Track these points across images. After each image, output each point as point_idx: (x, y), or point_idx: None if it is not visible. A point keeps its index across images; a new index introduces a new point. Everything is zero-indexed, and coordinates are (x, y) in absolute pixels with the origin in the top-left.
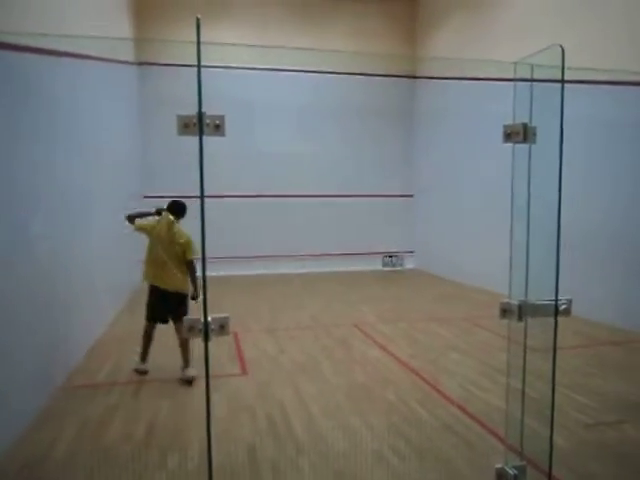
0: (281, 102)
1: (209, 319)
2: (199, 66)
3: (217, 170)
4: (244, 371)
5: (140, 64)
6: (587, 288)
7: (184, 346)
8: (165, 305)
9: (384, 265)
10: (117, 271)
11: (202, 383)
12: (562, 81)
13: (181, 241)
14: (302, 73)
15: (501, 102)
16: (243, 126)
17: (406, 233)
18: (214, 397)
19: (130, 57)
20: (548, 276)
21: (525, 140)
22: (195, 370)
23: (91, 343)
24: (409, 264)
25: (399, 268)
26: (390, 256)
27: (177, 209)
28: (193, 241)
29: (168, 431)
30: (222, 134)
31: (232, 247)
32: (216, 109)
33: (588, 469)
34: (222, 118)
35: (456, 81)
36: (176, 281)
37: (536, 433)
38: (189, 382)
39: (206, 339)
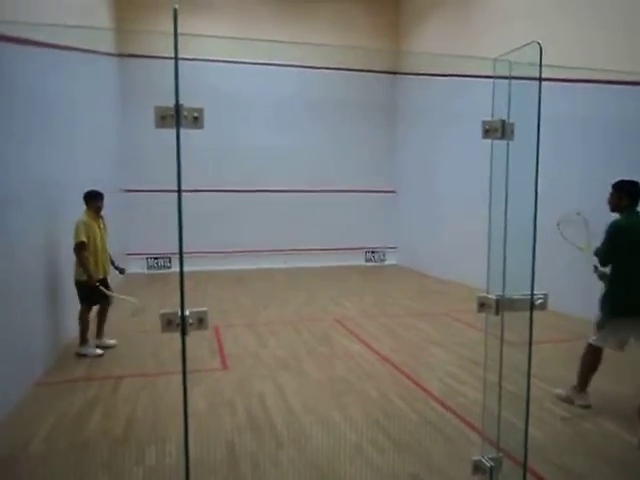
0: (263, 96)
1: (187, 313)
2: (176, 58)
3: (198, 164)
4: (225, 366)
5: (121, 56)
6: (567, 283)
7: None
8: None
9: (367, 261)
10: None
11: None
12: (539, 78)
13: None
14: (283, 67)
15: (482, 98)
16: (224, 120)
17: (389, 229)
18: (194, 392)
19: (110, 48)
20: (525, 271)
21: (503, 136)
22: (83, 349)
23: (69, 340)
24: (391, 260)
25: (381, 264)
26: (373, 252)
27: (84, 198)
28: (78, 225)
29: (146, 426)
30: (200, 127)
31: (214, 242)
32: (197, 102)
33: (563, 461)
34: (201, 110)
35: (438, 77)
36: (74, 270)
37: (513, 425)
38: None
39: (183, 333)
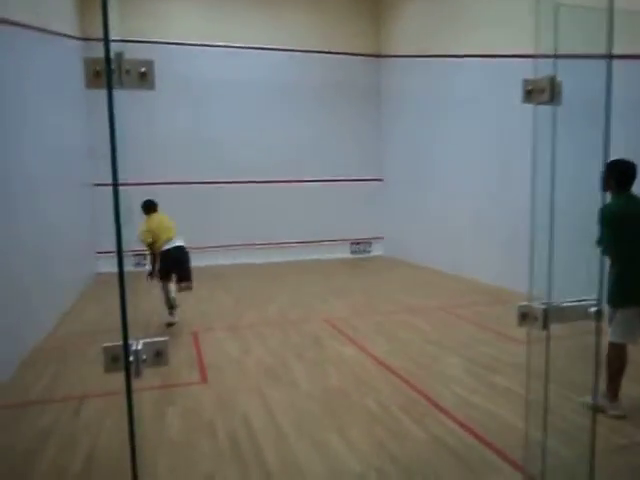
0: (238, 82)
1: (139, 346)
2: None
3: (167, 155)
4: (204, 378)
5: (87, 40)
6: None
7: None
8: None
9: (352, 252)
10: (71, 263)
11: (155, 394)
12: (609, 36)
13: None
14: (261, 50)
15: (472, 80)
16: (196, 108)
17: (375, 219)
18: (168, 411)
19: (74, 31)
20: (573, 271)
21: (552, 100)
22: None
23: (26, 352)
24: (378, 251)
25: (367, 255)
26: (358, 243)
27: (144, 207)
28: (142, 233)
29: (110, 460)
30: (150, 86)
31: (190, 236)
32: (168, 89)
33: None
34: (150, 64)
35: (425, 59)
36: None
37: (557, 455)
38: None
39: (128, 376)
